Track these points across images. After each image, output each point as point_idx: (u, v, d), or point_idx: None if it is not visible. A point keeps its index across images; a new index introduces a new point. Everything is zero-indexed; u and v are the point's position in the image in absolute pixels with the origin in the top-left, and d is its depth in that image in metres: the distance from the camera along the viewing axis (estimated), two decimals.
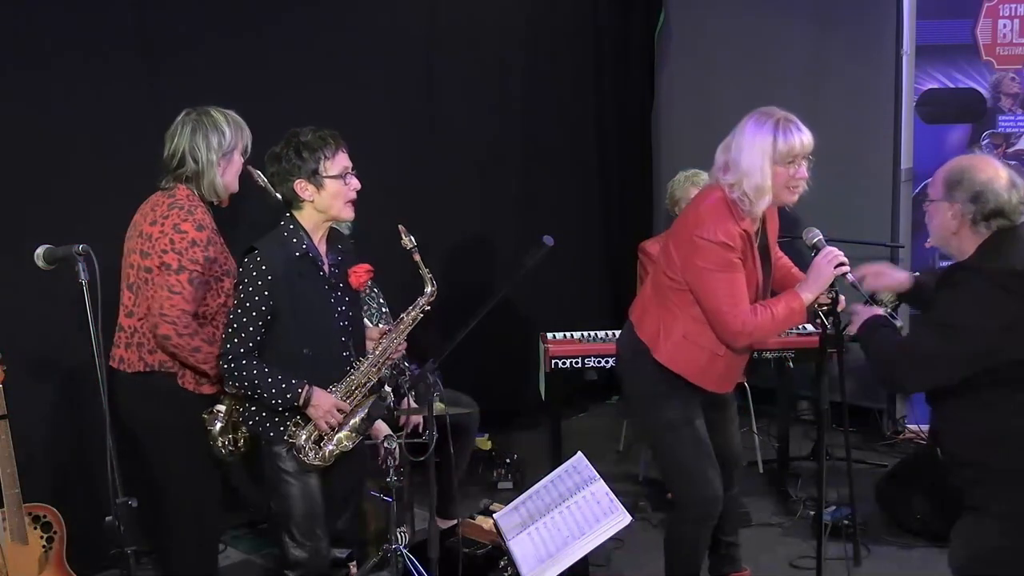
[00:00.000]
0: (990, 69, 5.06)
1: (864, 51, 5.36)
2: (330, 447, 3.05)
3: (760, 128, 3.06)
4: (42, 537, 3.35)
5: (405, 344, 3.24)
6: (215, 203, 3.22)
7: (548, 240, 3.02)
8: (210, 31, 4.15)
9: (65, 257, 2.61)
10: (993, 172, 2.77)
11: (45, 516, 3.36)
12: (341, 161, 3.01)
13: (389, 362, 3.20)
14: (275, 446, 3.03)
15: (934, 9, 5.13)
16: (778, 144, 3.04)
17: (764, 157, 3.04)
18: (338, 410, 3.03)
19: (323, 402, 2.99)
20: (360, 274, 3.11)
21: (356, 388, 3.09)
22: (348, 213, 3.06)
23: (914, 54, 5.16)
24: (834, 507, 4.04)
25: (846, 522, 3.93)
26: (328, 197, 3.00)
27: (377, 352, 3.13)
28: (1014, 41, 5.03)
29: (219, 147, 3.14)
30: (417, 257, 3.12)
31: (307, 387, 2.97)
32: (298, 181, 2.97)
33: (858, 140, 5.41)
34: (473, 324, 3.00)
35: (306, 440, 3.02)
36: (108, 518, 2.57)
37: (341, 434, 3.06)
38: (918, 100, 5.15)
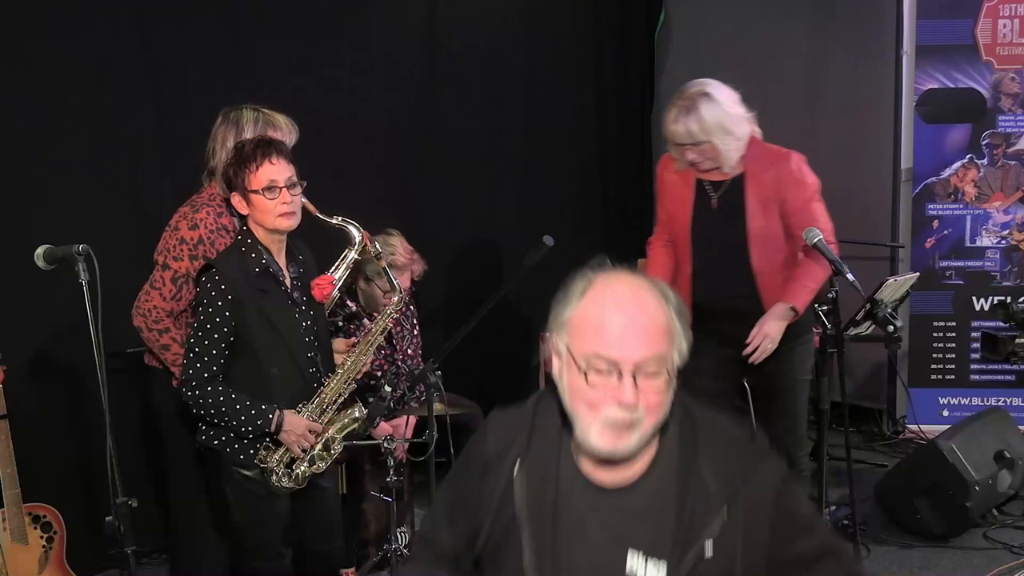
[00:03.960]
0: (990, 69, 5.05)
1: (864, 51, 5.35)
2: (302, 469, 2.93)
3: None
4: (42, 537, 3.35)
5: (372, 357, 3.12)
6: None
7: (548, 240, 3.02)
8: (210, 31, 4.15)
9: (65, 257, 2.62)
10: None
11: (45, 516, 3.36)
12: (267, 174, 2.80)
13: (359, 376, 3.07)
14: (245, 470, 2.90)
15: (934, 9, 5.12)
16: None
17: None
18: (311, 432, 2.91)
19: (296, 426, 2.87)
20: (324, 286, 2.97)
21: (328, 405, 2.96)
22: (283, 223, 2.85)
23: (914, 54, 5.16)
24: (834, 507, 4.04)
25: (846, 522, 3.92)
26: (257, 212, 2.83)
27: (347, 366, 3.00)
28: (1014, 41, 5.03)
29: (232, 145, 3.08)
30: (384, 264, 3.07)
31: (278, 412, 2.84)
32: (232, 194, 2.86)
33: (858, 140, 5.41)
34: (473, 324, 3.00)
35: (277, 463, 2.89)
36: (108, 518, 2.57)
37: (314, 454, 2.95)
38: (918, 100, 5.15)
